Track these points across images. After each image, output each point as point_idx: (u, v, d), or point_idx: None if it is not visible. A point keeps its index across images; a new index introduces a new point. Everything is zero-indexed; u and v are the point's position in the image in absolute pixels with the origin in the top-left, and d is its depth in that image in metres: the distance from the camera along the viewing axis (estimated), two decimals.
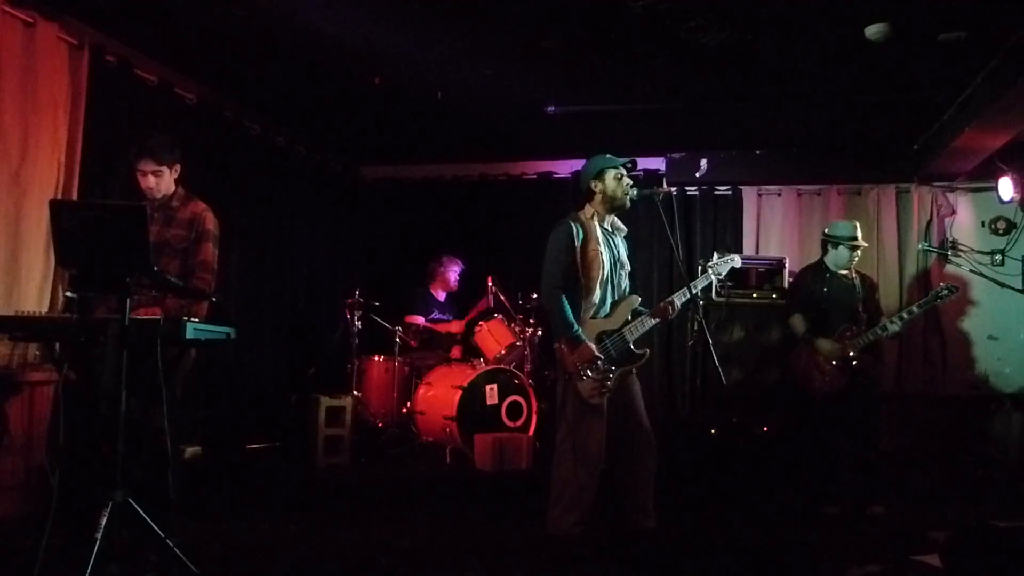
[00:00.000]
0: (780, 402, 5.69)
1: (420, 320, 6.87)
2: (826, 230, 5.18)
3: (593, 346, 3.46)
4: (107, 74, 5.10)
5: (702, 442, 5.63)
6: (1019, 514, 4.63)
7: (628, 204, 3.64)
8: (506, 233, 7.74)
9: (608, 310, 3.63)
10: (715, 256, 3.77)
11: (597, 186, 3.65)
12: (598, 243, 3.54)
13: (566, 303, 3.50)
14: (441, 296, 7.14)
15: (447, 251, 7.26)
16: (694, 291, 3.64)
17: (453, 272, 7.05)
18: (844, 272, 5.07)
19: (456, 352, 6.88)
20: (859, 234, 5.05)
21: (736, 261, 3.81)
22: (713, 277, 3.80)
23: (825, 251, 5.11)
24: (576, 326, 3.47)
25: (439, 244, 7.47)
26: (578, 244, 3.51)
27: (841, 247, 4.99)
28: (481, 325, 6.62)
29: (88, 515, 2.79)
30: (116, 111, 5.12)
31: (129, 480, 2.88)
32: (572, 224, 3.54)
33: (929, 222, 7.17)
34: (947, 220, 7.14)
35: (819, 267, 5.17)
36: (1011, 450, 6.08)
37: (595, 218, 3.62)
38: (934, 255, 6.91)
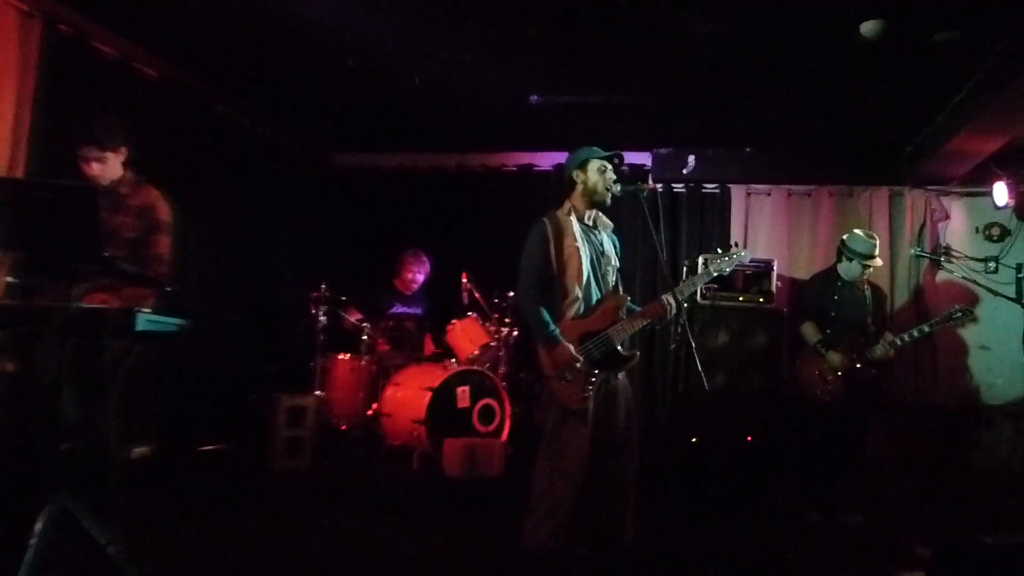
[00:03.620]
0: (766, 409, 5.70)
1: (356, 316, 6.75)
2: (844, 238, 5.19)
3: (571, 347, 3.39)
4: (61, 45, 4.95)
5: (683, 451, 5.60)
6: (1006, 528, 4.66)
7: (609, 200, 3.59)
8: (483, 227, 7.68)
9: (592, 309, 3.55)
10: (719, 251, 3.71)
11: (579, 176, 3.59)
12: (575, 239, 3.48)
13: (542, 304, 3.46)
14: (409, 290, 7.04)
15: (417, 245, 7.18)
16: (695, 287, 3.59)
17: (412, 271, 6.96)
18: (855, 283, 5.11)
19: (428, 349, 6.85)
20: (877, 252, 5.06)
21: (745, 256, 3.71)
22: (716, 274, 3.67)
23: (839, 259, 5.14)
24: (551, 326, 3.42)
25: (411, 237, 7.38)
26: (551, 242, 3.46)
27: (855, 262, 5.02)
28: (454, 324, 6.53)
29: (25, 518, 2.72)
30: (70, 85, 4.97)
31: (69, 482, 2.79)
32: (544, 222, 3.51)
33: (922, 227, 7.20)
34: (940, 225, 7.16)
35: (830, 275, 5.20)
36: (999, 463, 6.10)
37: (572, 214, 3.56)
38: (926, 261, 6.91)
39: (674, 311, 3.45)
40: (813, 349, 5.01)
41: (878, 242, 5.12)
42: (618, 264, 3.70)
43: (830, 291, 5.10)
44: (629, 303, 3.60)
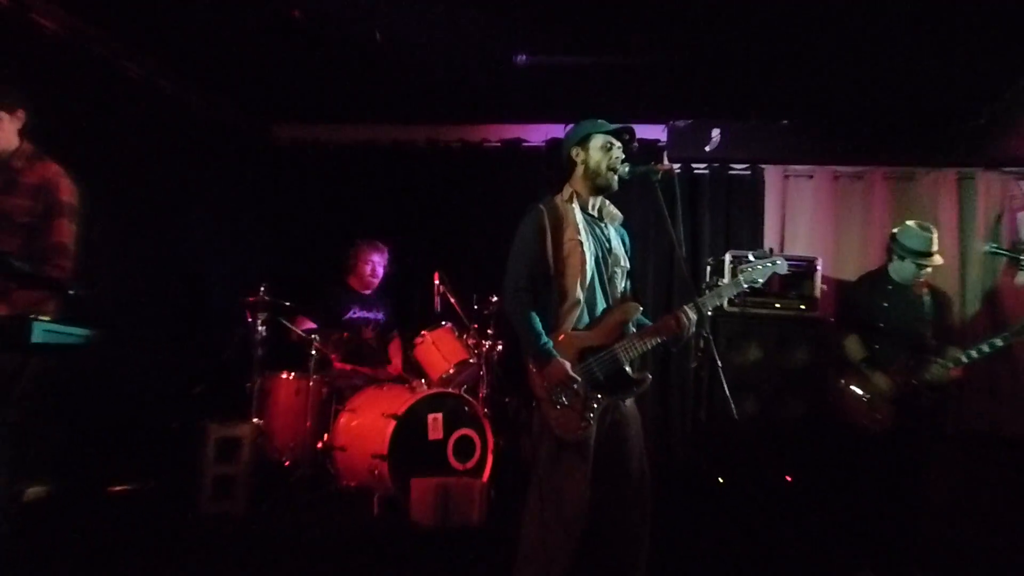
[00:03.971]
0: (808, 443, 5.65)
1: (306, 325, 6.70)
2: (894, 232, 5.19)
3: (567, 364, 3.43)
4: None
5: (706, 492, 5.57)
6: None
7: (615, 184, 3.64)
8: (460, 216, 7.66)
9: (596, 319, 3.59)
10: (751, 256, 3.72)
11: (579, 155, 3.65)
12: (577, 232, 3.52)
13: (532, 309, 3.48)
14: (366, 290, 7.00)
15: (372, 236, 7.16)
16: (721, 300, 3.67)
17: (368, 263, 6.91)
18: (910, 286, 5.10)
19: (395, 364, 6.81)
20: (935, 248, 5.04)
21: (781, 266, 3.76)
22: (745, 286, 3.71)
23: (890, 258, 5.15)
24: (543, 337, 3.45)
25: (372, 228, 7.31)
26: (548, 234, 3.50)
27: (907, 260, 5.02)
28: (424, 336, 6.44)
29: None
30: None
31: None
32: (541, 209, 3.54)
33: (998, 217, 7.16)
34: (1021, 215, 7.13)
35: (880, 276, 5.20)
36: None
37: (574, 200, 3.61)
38: (1003, 259, 6.86)
39: (693, 328, 3.48)
40: (857, 369, 5.03)
41: (935, 235, 5.08)
42: (628, 265, 3.71)
43: (879, 296, 5.11)
44: (641, 315, 3.63)
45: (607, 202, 3.74)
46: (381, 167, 7.98)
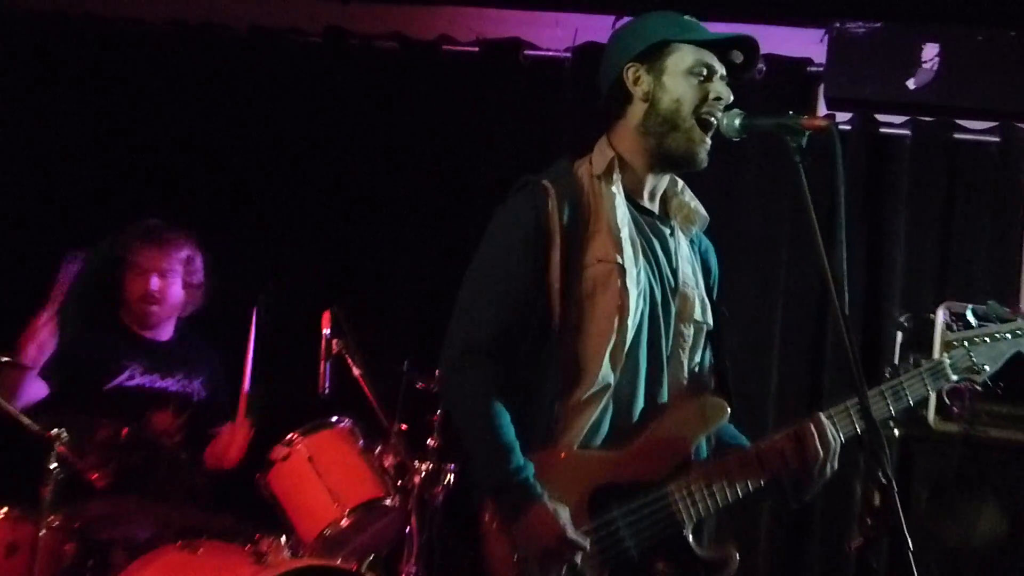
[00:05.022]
0: None
1: (36, 390, 4.92)
2: None
3: (566, 517, 2.67)
4: None
5: None
6: None
7: (704, 152, 2.86)
8: (381, 192, 5.82)
9: (632, 426, 2.91)
10: (970, 314, 3.03)
11: (641, 81, 2.89)
12: (616, 244, 2.82)
13: (495, 395, 2.79)
14: (151, 325, 5.17)
15: (162, 214, 5.24)
16: (926, 393, 2.97)
17: (144, 273, 5.05)
18: None
19: (231, 453, 5.12)
20: None
21: None
22: (955, 378, 2.96)
23: None
24: (517, 456, 2.72)
25: (166, 197, 5.62)
26: (555, 243, 2.84)
27: None
28: (294, 445, 4.63)
29: None
30: None
31: None
32: (542, 189, 2.87)
33: None
34: None
35: None
36: None
37: (615, 176, 2.90)
38: None
39: (834, 461, 2.84)
40: None
41: None
42: (711, 320, 3.06)
43: None
44: (727, 424, 2.98)
45: (682, 186, 3.04)
46: (200, 71, 5.99)
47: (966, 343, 2.97)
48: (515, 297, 2.87)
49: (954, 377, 2.96)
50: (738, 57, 2.95)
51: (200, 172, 5.89)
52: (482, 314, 2.90)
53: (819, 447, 2.79)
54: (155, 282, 4.90)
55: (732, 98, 2.92)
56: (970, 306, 3.36)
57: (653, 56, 2.91)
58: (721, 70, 2.92)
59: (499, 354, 2.87)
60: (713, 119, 2.88)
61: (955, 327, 3.31)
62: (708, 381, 3.11)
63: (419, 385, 4.71)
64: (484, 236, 2.95)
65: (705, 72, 2.90)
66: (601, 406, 2.89)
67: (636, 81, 2.91)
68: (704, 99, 2.88)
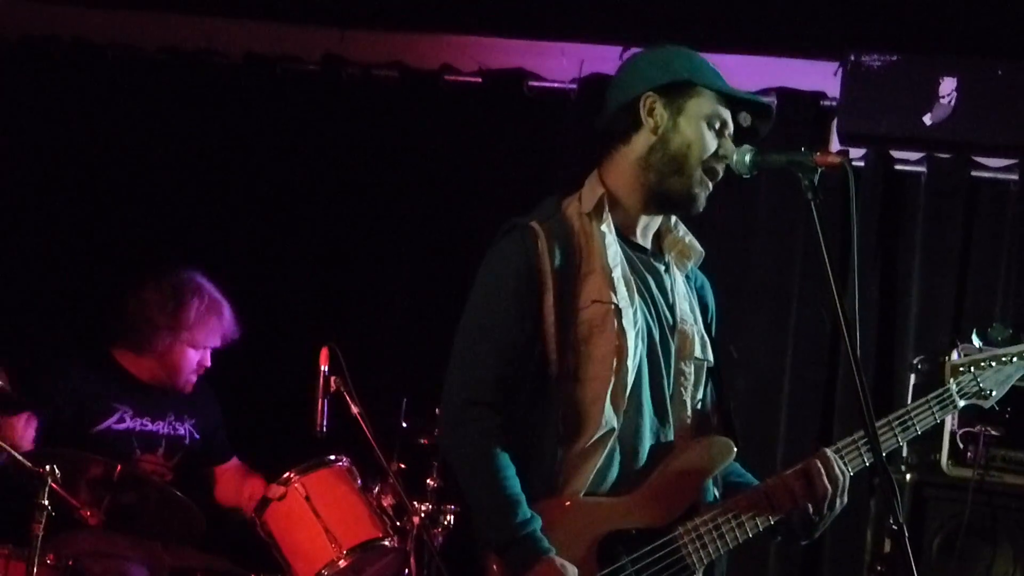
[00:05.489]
0: None
1: (24, 442, 4.60)
2: None
3: (573, 572, 2.66)
4: None
5: None
6: None
7: (702, 199, 2.87)
8: (378, 228, 5.77)
9: (638, 471, 2.90)
10: (975, 339, 3.02)
11: (658, 113, 2.86)
12: (610, 284, 2.83)
13: (500, 447, 2.74)
14: (160, 372, 5.03)
15: (184, 263, 5.14)
16: (899, 440, 2.92)
17: (202, 345, 4.99)
18: None
19: (246, 490, 5.13)
20: None
21: None
22: (962, 403, 3.00)
23: None
24: (523, 509, 2.68)
25: (173, 237, 5.62)
26: (548, 288, 2.81)
27: None
28: (291, 484, 4.64)
29: None
30: None
31: None
32: (530, 232, 2.83)
33: None
34: None
35: None
36: None
37: (605, 214, 2.90)
38: None
39: (843, 496, 2.83)
40: None
41: None
42: (711, 356, 3.06)
43: None
44: (729, 461, 2.97)
45: (675, 220, 3.04)
46: (195, 99, 5.90)
47: (972, 368, 2.98)
48: (512, 346, 2.84)
49: (961, 403, 2.97)
50: (746, 120, 2.93)
51: (194, 203, 5.83)
52: (480, 365, 2.85)
53: (827, 483, 2.78)
54: (208, 357, 4.95)
55: (746, 148, 2.92)
56: (975, 329, 3.33)
57: (674, 92, 2.87)
58: (731, 128, 2.92)
59: (500, 404, 2.82)
60: (718, 172, 2.88)
61: (975, 360, 3.17)
62: (712, 419, 3.09)
63: (423, 441, 4.84)
64: (475, 282, 2.92)
65: (718, 125, 2.89)
66: (606, 451, 2.84)
67: (651, 111, 2.85)
68: (714, 152, 2.87)
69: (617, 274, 2.85)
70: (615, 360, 2.83)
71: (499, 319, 2.83)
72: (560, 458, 2.83)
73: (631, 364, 2.85)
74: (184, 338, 4.84)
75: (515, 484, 2.75)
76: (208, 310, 4.87)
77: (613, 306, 2.82)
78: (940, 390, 3.02)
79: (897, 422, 2.93)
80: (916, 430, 2.95)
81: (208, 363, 4.98)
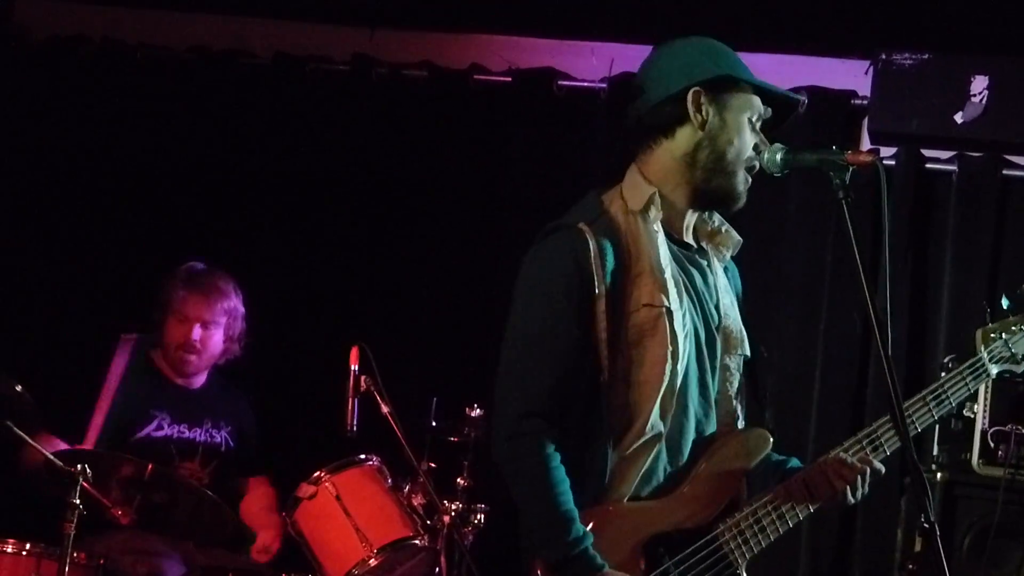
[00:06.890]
0: None
1: (54, 445, 4.64)
2: None
3: None
4: None
5: None
6: None
7: (745, 197, 2.87)
8: (411, 228, 5.77)
9: (679, 469, 2.89)
10: (1004, 302, 2.99)
11: (704, 107, 2.80)
12: (660, 285, 2.77)
13: (556, 459, 2.68)
14: (183, 377, 5.15)
15: (202, 256, 5.22)
16: (933, 415, 2.95)
17: (187, 320, 5.02)
18: None
19: (264, 537, 4.96)
20: None
21: None
22: (995, 372, 2.98)
23: None
24: (576, 524, 2.66)
25: (192, 238, 5.60)
26: (601, 292, 2.73)
27: None
28: (322, 482, 4.67)
29: None
30: None
31: None
32: (579, 235, 2.76)
33: None
34: None
35: None
36: None
37: (652, 212, 2.83)
38: None
39: (863, 487, 2.84)
40: None
41: None
42: (748, 349, 3.03)
43: None
44: (771, 451, 2.97)
45: (716, 217, 2.99)
46: (224, 99, 5.94)
47: (1003, 333, 2.98)
48: (566, 353, 2.80)
49: (994, 370, 2.98)
50: (767, 113, 2.94)
51: (223, 203, 5.88)
52: (534, 374, 2.81)
53: (850, 484, 2.79)
54: (197, 332, 4.91)
55: (776, 146, 2.92)
56: (1003, 293, 3.30)
57: (719, 87, 2.87)
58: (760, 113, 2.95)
59: (555, 415, 2.80)
60: (755, 169, 2.87)
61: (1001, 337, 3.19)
62: (747, 410, 3.11)
63: (453, 439, 4.83)
64: (520, 287, 2.88)
65: (758, 117, 2.91)
66: (653, 454, 2.85)
67: (698, 107, 2.83)
68: (754, 148, 2.87)
69: (668, 275, 2.83)
70: (667, 364, 2.83)
71: (551, 326, 2.80)
72: (610, 460, 2.85)
73: (680, 367, 2.85)
74: (169, 311, 4.90)
75: (569, 499, 2.75)
76: (187, 281, 4.92)
77: (665, 309, 2.82)
78: (972, 359, 3.02)
79: (931, 396, 2.95)
80: (951, 403, 2.98)
81: (207, 342, 5.02)
